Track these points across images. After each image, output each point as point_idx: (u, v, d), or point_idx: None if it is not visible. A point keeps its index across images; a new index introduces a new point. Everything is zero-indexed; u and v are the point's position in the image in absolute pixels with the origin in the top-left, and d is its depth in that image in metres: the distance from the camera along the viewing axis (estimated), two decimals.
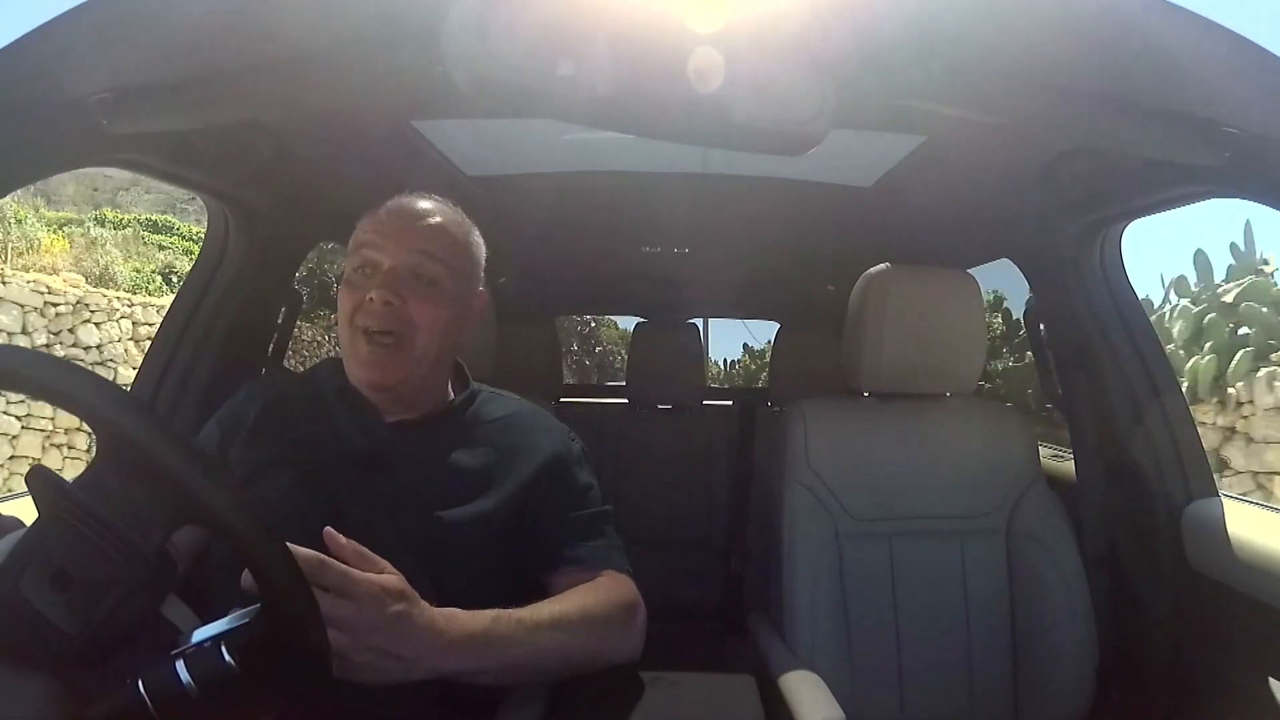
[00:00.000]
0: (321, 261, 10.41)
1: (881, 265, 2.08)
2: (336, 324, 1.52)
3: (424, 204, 1.50)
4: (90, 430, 0.88)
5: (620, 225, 2.87)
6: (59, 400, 0.83)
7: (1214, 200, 1.56)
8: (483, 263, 1.60)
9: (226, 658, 0.86)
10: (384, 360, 1.42)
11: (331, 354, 1.59)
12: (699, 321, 3.79)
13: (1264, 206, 1.25)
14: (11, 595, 0.81)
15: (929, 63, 1.17)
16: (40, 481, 0.86)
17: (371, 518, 1.34)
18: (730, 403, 3.87)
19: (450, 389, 1.59)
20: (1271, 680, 1.58)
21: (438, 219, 1.49)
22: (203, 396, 2.03)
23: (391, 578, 1.11)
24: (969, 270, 2.18)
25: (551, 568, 1.44)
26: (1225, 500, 1.85)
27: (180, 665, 0.85)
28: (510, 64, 1.00)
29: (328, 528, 1.09)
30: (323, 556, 1.04)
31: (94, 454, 0.87)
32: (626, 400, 3.74)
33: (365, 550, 1.11)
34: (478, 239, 1.58)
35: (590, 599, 1.37)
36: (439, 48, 1.01)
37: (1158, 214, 1.79)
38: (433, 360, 1.48)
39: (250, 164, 1.83)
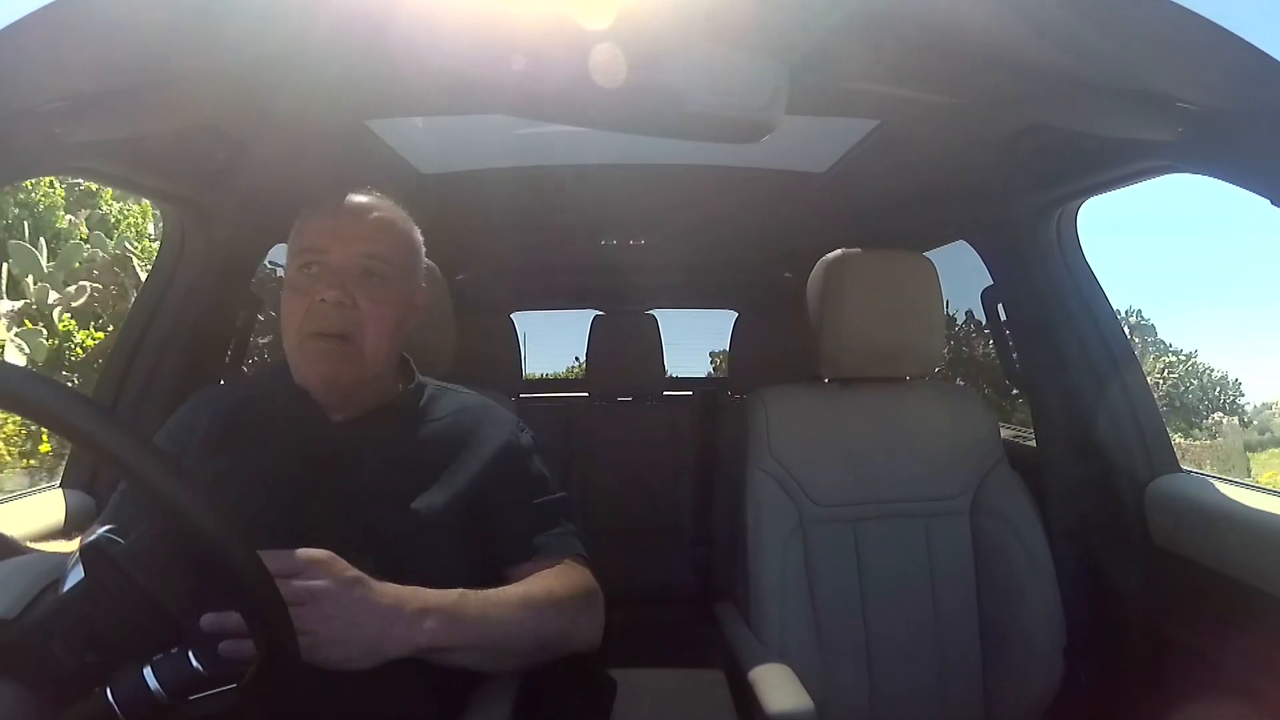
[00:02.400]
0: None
1: (838, 251, 2.07)
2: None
3: (366, 202, 1.49)
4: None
5: (576, 218, 2.86)
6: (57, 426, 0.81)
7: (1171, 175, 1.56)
8: (424, 258, 1.60)
9: (194, 664, 0.86)
10: (336, 360, 1.40)
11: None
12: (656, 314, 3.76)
13: (1218, 180, 1.25)
14: (42, 651, 0.82)
15: (881, 45, 1.17)
16: (95, 554, 0.86)
17: (325, 518, 1.32)
18: (690, 393, 3.86)
19: (397, 384, 1.58)
20: (1239, 654, 1.59)
21: (381, 216, 1.48)
22: (164, 402, 2.02)
23: (337, 559, 1.13)
24: (926, 254, 2.18)
25: (513, 558, 1.44)
26: (1188, 476, 1.86)
27: (148, 672, 0.84)
28: (462, 60, 0.99)
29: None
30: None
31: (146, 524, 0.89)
32: (586, 394, 3.72)
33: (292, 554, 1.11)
34: (419, 234, 1.57)
35: (554, 582, 1.38)
36: (391, 46, 1.00)
37: (1114, 190, 1.80)
38: (383, 359, 1.47)
39: (205, 168, 1.82)
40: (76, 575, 0.86)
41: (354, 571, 1.12)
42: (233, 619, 0.93)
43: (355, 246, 1.42)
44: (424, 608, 1.16)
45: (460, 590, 1.23)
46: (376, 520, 1.35)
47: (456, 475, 1.44)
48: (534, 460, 1.56)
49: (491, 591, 1.27)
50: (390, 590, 1.15)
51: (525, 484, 1.51)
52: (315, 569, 1.09)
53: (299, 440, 1.44)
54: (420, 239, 1.57)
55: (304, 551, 1.09)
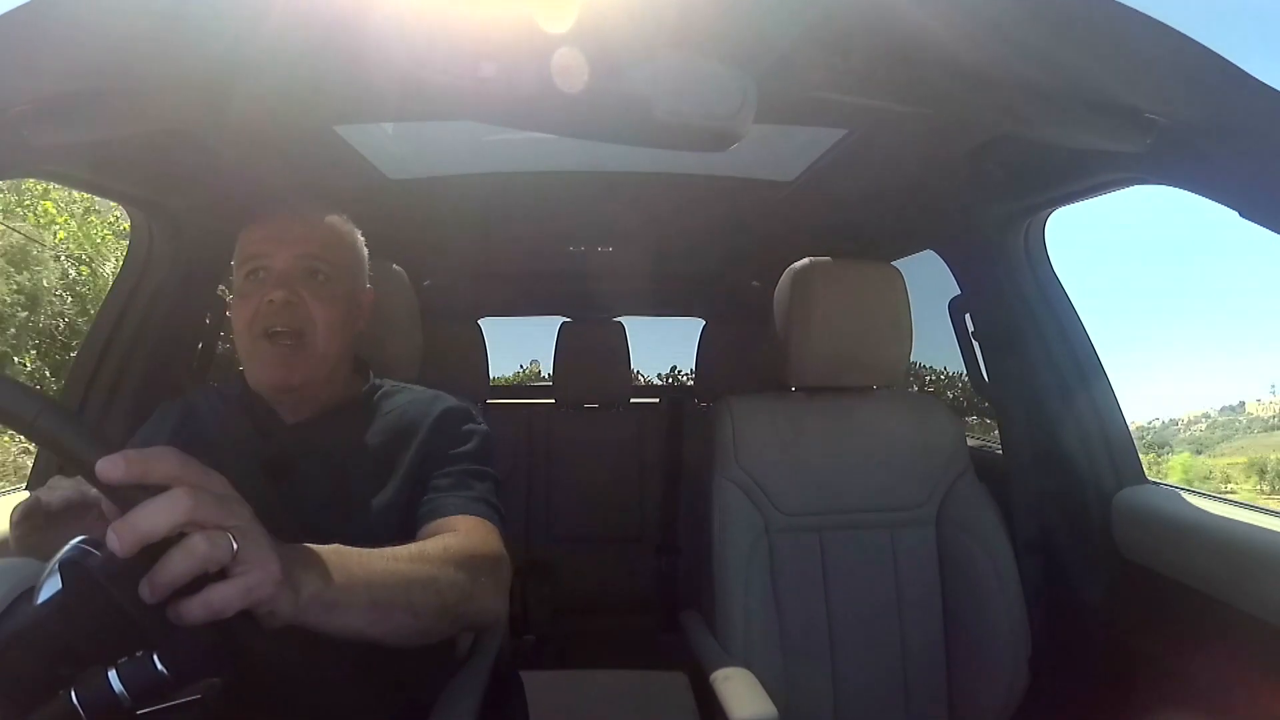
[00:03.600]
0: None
1: (806, 260, 2.07)
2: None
3: (306, 207, 1.52)
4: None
5: (544, 225, 2.85)
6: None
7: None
8: (367, 259, 1.61)
9: (159, 667, 0.83)
10: (289, 360, 1.42)
11: None
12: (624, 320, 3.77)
13: (1185, 192, 1.25)
14: (13, 662, 0.81)
15: (849, 54, 1.16)
16: (73, 570, 0.84)
17: (279, 520, 1.30)
18: (657, 400, 3.87)
19: (351, 386, 1.58)
20: (1202, 665, 1.59)
21: (320, 219, 1.51)
22: (131, 404, 2.02)
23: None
24: (894, 263, 2.19)
25: (415, 525, 1.38)
26: (1155, 487, 1.87)
27: (113, 675, 0.82)
28: (431, 66, 0.98)
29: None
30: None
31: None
32: (553, 400, 3.71)
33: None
34: (360, 236, 1.60)
35: (451, 540, 1.27)
36: (360, 52, 0.99)
37: (1083, 201, 1.81)
38: (334, 357, 1.49)
39: (172, 172, 1.82)
40: (52, 587, 0.84)
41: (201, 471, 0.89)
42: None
43: (295, 248, 1.45)
44: (305, 551, 1.01)
45: (337, 545, 1.06)
46: (330, 521, 1.35)
47: (402, 465, 1.44)
48: (471, 438, 1.53)
49: (376, 550, 1.12)
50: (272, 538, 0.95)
51: (453, 455, 1.48)
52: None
53: (253, 443, 1.46)
54: (361, 240, 1.60)
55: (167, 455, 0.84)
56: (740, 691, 1.65)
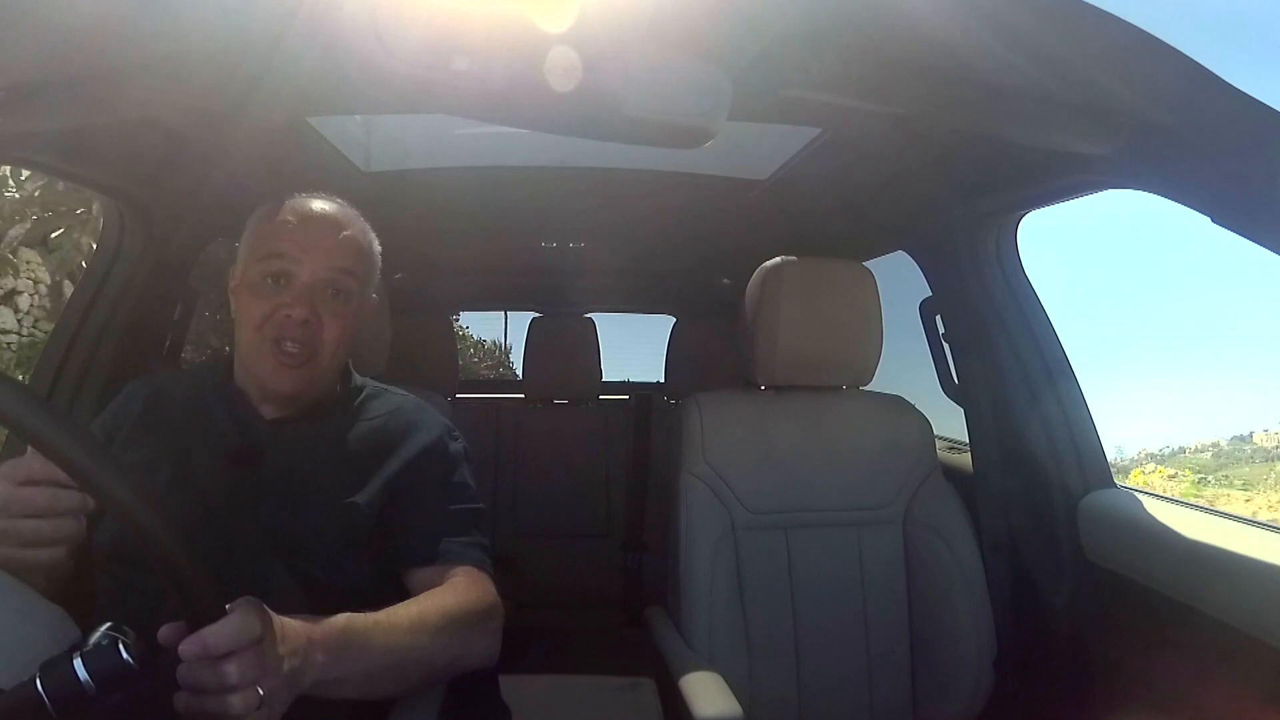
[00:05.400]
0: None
1: (777, 258, 2.07)
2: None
3: (336, 214, 1.48)
4: None
5: (516, 220, 2.85)
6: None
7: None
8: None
9: (125, 656, 0.85)
10: (294, 373, 1.40)
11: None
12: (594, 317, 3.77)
13: (1156, 196, 1.25)
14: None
15: (822, 53, 1.16)
16: (110, 673, 0.85)
17: (241, 514, 1.32)
18: (626, 397, 3.87)
19: (334, 385, 1.56)
20: (1166, 669, 1.60)
21: (351, 233, 1.47)
22: (99, 394, 1.99)
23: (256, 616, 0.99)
24: (866, 264, 2.19)
25: (414, 560, 1.41)
26: (1121, 491, 1.88)
27: (78, 663, 0.83)
28: (404, 58, 0.97)
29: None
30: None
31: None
32: (523, 395, 3.71)
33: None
34: (378, 246, 1.57)
35: (449, 599, 1.32)
36: (334, 43, 0.98)
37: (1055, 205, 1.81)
38: (334, 368, 1.48)
39: (144, 160, 1.81)
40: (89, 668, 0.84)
41: (265, 620, 0.98)
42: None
43: (326, 263, 1.41)
44: (310, 641, 1.06)
45: (347, 616, 1.14)
46: (288, 520, 1.34)
47: (376, 477, 1.42)
48: (459, 467, 1.54)
49: (381, 615, 1.20)
50: (283, 627, 1.03)
51: (444, 488, 1.49)
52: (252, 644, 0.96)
53: (230, 435, 1.43)
54: (378, 249, 1.57)
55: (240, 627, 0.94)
56: (705, 691, 1.64)
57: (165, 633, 0.91)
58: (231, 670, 0.89)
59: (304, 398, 1.46)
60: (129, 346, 2.10)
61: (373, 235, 1.55)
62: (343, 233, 1.46)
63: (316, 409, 1.49)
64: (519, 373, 3.93)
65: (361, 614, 1.17)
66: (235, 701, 0.90)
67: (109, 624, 0.89)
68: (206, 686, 0.90)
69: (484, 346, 11.37)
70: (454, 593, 1.34)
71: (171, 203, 2.04)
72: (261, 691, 0.92)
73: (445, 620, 1.27)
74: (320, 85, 1.50)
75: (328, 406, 1.51)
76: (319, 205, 1.48)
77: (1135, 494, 1.86)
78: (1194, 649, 1.53)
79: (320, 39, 1.09)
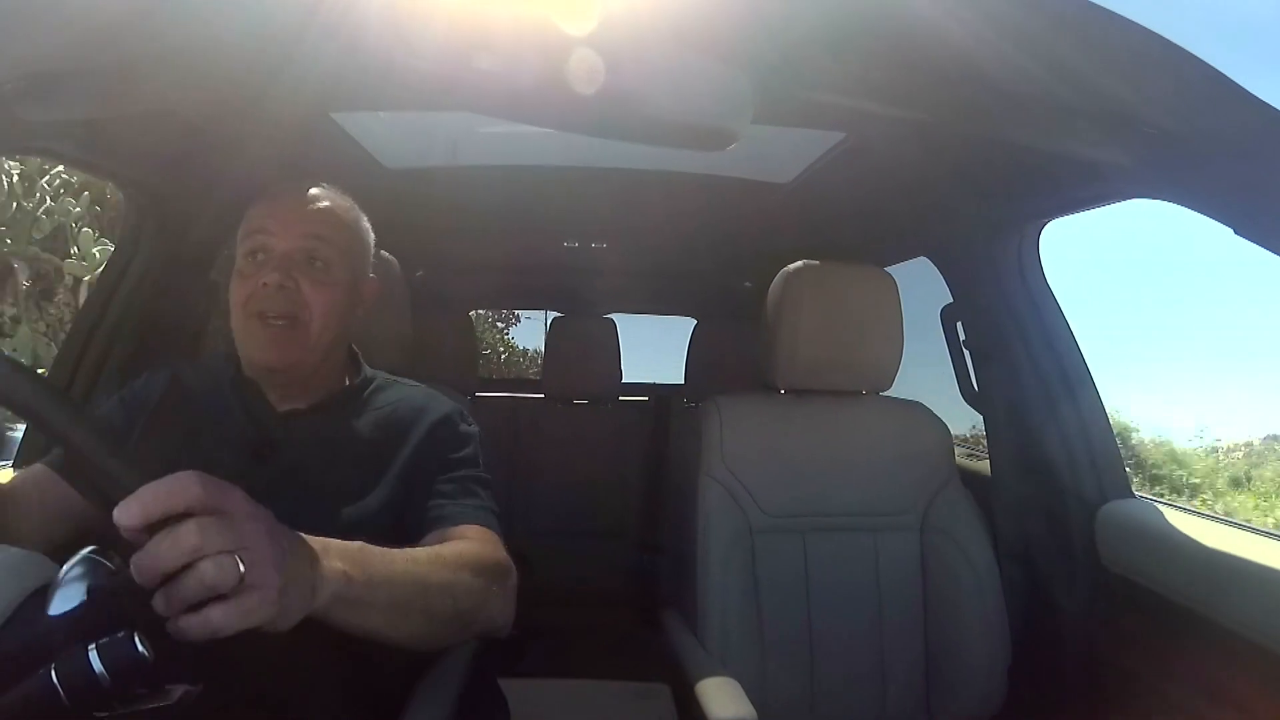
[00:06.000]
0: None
1: (799, 262, 2.07)
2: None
3: (312, 190, 1.50)
4: None
5: (539, 219, 2.85)
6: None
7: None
8: (372, 248, 1.60)
9: (140, 648, 0.83)
10: (280, 342, 1.41)
11: None
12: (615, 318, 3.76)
13: (1179, 207, 1.25)
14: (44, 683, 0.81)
15: (849, 58, 1.16)
16: (102, 597, 0.85)
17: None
18: (646, 398, 3.86)
19: (345, 377, 1.57)
20: (1180, 679, 1.60)
21: (326, 203, 1.49)
22: (117, 385, 1.96)
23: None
24: (888, 269, 2.19)
25: (423, 526, 1.39)
26: (1139, 501, 1.87)
27: (93, 654, 0.82)
28: (427, 56, 0.98)
29: None
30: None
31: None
32: (542, 395, 3.71)
33: None
34: (367, 224, 1.58)
35: (462, 546, 1.30)
36: (356, 39, 0.99)
37: (1077, 214, 1.81)
38: (327, 344, 1.47)
39: (165, 153, 1.82)
40: (66, 599, 0.85)
41: (218, 488, 0.89)
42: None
43: (299, 231, 1.43)
44: (326, 548, 1.01)
45: (359, 543, 1.10)
46: (304, 511, 1.32)
47: (391, 465, 1.43)
48: (469, 443, 1.53)
49: (397, 550, 1.15)
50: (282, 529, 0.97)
51: (452, 459, 1.48)
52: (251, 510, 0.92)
53: (243, 428, 1.44)
54: (368, 227, 1.58)
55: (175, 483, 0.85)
56: (720, 694, 1.64)
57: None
58: (188, 531, 0.80)
59: (305, 380, 1.47)
60: (147, 340, 2.11)
61: (360, 214, 1.56)
62: (317, 203, 1.47)
63: (327, 401, 1.50)
64: None
65: (378, 546, 1.12)
66: (207, 568, 0.80)
67: (90, 547, 0.89)
68: (164, 560, 0.80)
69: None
70: (466, 543, 1.32)
71: (191, 196, 2.05)
72: (242, 566, 0.82)
73: (463, 561, 1.25)
74: (343, 80, 1.51)
75: (338, 398, 1.51)
76: (298, 184, 1.50)
77: (1153, 503, 1.86)
78: (1210, 660, 1.53)
79: (343, 34, 1.09)
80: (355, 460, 1.43)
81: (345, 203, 1.54)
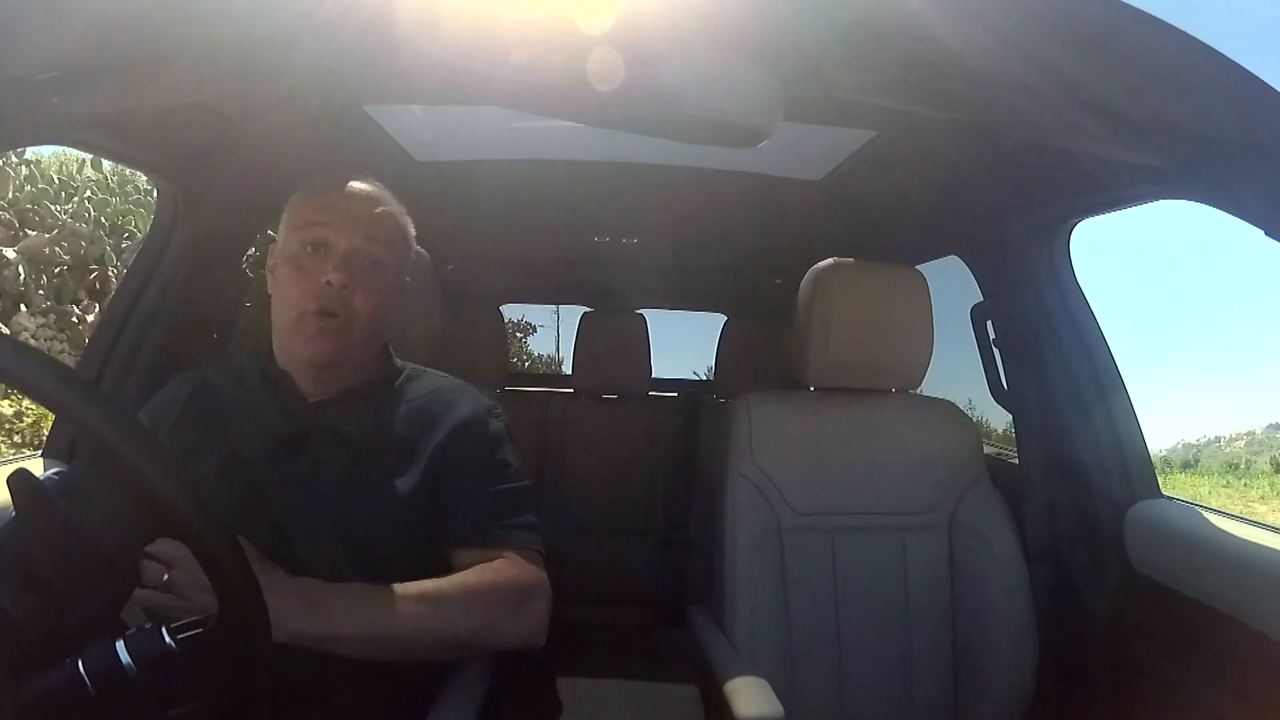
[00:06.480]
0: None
1: (829, 260, 2.07)
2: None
3: (372, 189, 1.51)
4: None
5: (569, 214, 2.86)
6: (37, 396, 0.81)
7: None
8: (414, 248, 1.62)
9: (167, 640, 0.86)
10: (330, 338, 1.41)
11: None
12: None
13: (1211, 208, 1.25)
14: None
15: (880, 57, 1.16)
16: (21, 485, 0.85)
17: (292, 497, 1.34)
18: (675, 394, 3.86)
19: (375, 368, 1.58)
20: (1209, 682, 1.59)
21: (387, 207, 1.51)
22: (147, 379, 1.99)
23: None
24: (918, 267, 2.18)
25: (455, 541, 1.43)
26: (1169, 502, 1.86)
27: (120, 645, 0.84)
28: (462, 51, 0.99)
29: None
30: None
31: (77, 455, 0.88)
32: (571, 390, 3.71)
33: None
34: (413, 228, 1.59)
35: (475, 577, 1.36)
36: (391, 33, 0.99)
37: (1109, 214, 1.80)
38: (367, 341, 1.50)
39: (198, 146, 1.82)
40: (7, 514, 0.85)
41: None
42: (184, 577, 1.02)
43: (362, 233, 1.44)
44: (310, 591, 1.18)
45: (355, 585, 1.25)
46: (345, 501, 1.35)
47: (421, 456, 1.44)
48: (501, 445, 1.55)
49: (399, 586, 1.27)
50: (282, 576, 1.18)
51: (485, 466, 1.50)
52: None
53: (274, 419, 1.45)
54: (413, 233, 1.59)
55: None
56: (748, 690, 1.65)
57: None
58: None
59: (341, 372, 1.48)
60: (179, 332, 2.12)
61: (409, 220, 1.58)
62: (380, 207, 1.49)
63: (358, 391, 1.51)
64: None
65: (375, 585, 1.25)
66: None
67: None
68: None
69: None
70: (486, 571, 1.37)
71: (225, 189, 2.05)
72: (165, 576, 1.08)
73: (464, 596, 1.32)
74: (376, 73, 1.52)
75: (369, 388, 1.52)
76: (358, 182, 1.51)
77: (1183, 504, 1.84)
78: (1238, 664, 1.52)
79: (378, 27, 1.10)
80: (385, 450, 1.44)
81: (399, 205, 1.55)
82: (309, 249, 1.43)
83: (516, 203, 2.66)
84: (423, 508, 1.41)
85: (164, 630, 0.86)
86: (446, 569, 1.37)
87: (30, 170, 8.19)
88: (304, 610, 1.16)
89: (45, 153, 8.86)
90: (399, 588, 1.26)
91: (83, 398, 0.81)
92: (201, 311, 2.22)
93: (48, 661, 0.83)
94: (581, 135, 2.07)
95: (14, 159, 7.83)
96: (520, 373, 7.30)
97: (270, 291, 1.50)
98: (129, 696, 0.84)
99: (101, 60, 1.18)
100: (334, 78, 1.53)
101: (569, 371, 3.64)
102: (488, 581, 1.36)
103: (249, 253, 2.42)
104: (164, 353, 2.05)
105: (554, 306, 7.71)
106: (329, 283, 1.38)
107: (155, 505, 0.82)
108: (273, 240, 1.55)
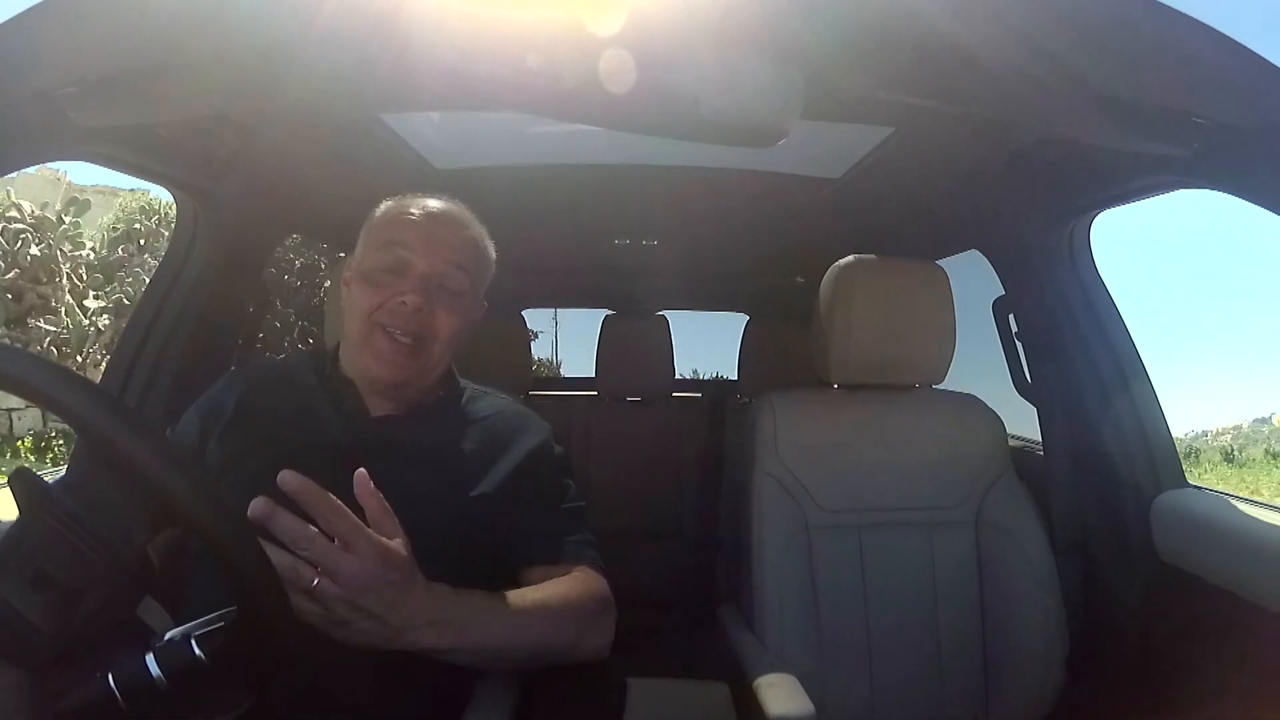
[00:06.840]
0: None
1: (850, 257, 2.07)
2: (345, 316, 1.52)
3: (459, 213, 1.54)
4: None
5: (589, 217, 2.86)
6: (38, 399, 0.81)
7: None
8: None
9: (196, 651, 0.86)
10: (403, 360, 1.42)
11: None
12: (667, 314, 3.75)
13: (1230, 196, 1.24)
14: None
15: (897, 53, 1.17)
16: (22, 483, 0.85)
17: (353, 511, 1.33)
18: (699, 395, 3.86)
19: (438, 386, 1.58)
20: (1240, 671, 1.58)
21: (471, 232, 1.54)
22: (170, 390, 2.02)
23: (399, 544, 1.11)
24: (939, 262, 2.18)
25: (532, 559, 1.45)
26: (1196, 491, 1.86)
27: (150, 658, 0.85)
28: (477, 57, 0.99)
29: (360, 470, 1.11)
30: (340, 505, 1.06)
31: (76, 452, 0.88)
32: (595, 393, 3.71)
33: (388, 508, 1.12)
34: (493, 252, 1.62)
35: (568, 589, 1.38)
36: (405, 40, 1.00)
37: (1128, 204, 1.79)
38: (441, 366, 1.51)
39: (217, 157, 1.83)
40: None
41: (408, 560, 1.13)
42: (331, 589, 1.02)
43: (443, 257, 1.45)
44: (441, 620, 1.16)
45: (481, 595, 1.25)
46: (411, 516, 1.35)
47: (486, 479, 1.45)
48: (566, 469, 1.59)
49: (513, 595, 1.29)
50: (422, 591, 1.15)
51: (555, 489, 1.54)
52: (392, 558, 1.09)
53: (335, 430, 1.46)
54: (494, 256, 1.62)
55: (383, 540, 1.10)
56: (779, 690, 1.65)
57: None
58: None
59: (408, 391, 1.49)
60: (201, 343, 2.13)
61: (489, 242, 1.60)
62: (464, 231, 1.51)
63: (422, 408, 1.52)
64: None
65: (494, 594, 1.27)
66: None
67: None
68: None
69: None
70: (573, 584, 1.40)
71: (244, 199, 2.07)
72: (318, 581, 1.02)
73: (566, 607, 1.35)
74: (394, 82, 1.52)
75: (433, 406, 1.53)
76: (443, 203, 1.53)
77: (1210, 493, 1.84)
78: (1269, 653, 1.51)
79: (394, 35, 1.10)
80: (448, 470, 1.44)
81: (482, 230, 1.58)
82: (386, 267, 1.44)
83: (536, 207, 2.66)
84: (479, 529, 1.42)
85: (193, 642, 0.86)
86: (509, 585, 1.38)
87: None
88: (439, 629, 1.16)
89: None
90: (515, 597, 1.29)
91: (83, 396, 0.82)
92: (222, 323, 2.25)
93: (67, 661, 0.83)
94: (599, 138, 2.07)
95: None
96: (545, 378, 7.29)
97: (343, 304, 1.52)
98: (160, 709, 0.85)
99: (121, 74, 1.19)
100: (348, 86, 1.53)
101: (567, 374, 3.64)
102: (579, 594, 1.39)
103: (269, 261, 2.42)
104: (187, 364, 2.07)
105: (552, 312, 7.78)
106: (404, 303, 1.40)
107: (161, 497, 0.82)
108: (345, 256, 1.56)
